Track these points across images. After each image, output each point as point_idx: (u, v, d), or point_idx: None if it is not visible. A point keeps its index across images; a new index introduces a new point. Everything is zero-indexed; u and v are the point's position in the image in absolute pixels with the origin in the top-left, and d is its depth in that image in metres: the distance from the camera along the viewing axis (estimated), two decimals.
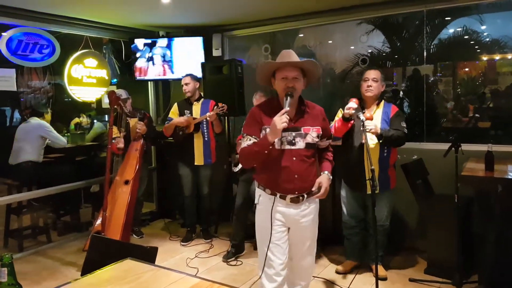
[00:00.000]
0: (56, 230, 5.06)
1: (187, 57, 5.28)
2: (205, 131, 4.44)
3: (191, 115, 4.42)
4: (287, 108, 2.21)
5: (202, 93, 4.67)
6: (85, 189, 5.37)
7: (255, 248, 3.12)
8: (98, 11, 4.47)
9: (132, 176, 4.27)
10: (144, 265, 1.74)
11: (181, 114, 4.46)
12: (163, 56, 5.35)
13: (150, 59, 5.36)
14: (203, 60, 5.15)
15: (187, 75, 4.53)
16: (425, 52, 4.48)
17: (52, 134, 4.88)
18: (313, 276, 3.33)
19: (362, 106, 3.45)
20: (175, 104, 4.59)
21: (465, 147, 3.22)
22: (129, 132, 4.56)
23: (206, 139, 4.44)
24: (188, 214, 4.70)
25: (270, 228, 2.38)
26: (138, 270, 1.68)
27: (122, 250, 2.01)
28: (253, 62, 5.63)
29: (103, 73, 5.23)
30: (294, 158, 2.35)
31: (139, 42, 5.32)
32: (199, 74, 4.82)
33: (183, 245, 4.53)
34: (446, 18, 4.69)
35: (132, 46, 5.31)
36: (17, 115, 6.47)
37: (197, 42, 5.23)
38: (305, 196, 2.41)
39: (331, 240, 4.18)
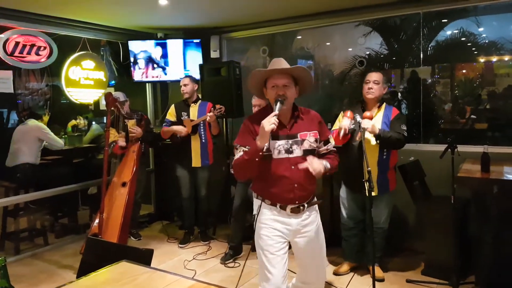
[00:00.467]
0: (53, 232, 5.04)
1: (183, 59, 5.29)
2: (202, 133, 4.44)
3: (188, 117, 4.43)
4: (276, 112, 2.17)
5: (200, 95, 4.67)
6: (82, 191, 5.37)
7: (253, 250, 3.11)
8: (95, 13, 4.48)
9: (129, 178, 4.27)
10: (139, 267, 1.74)
11: (179, 115, 4.47)
12: (161, 58, 5.36)
13: (148, 60, 5.36)
14: (201, 62, 5.16)
15: (186, 76, 4.56)
16: (422, 54, 4.49)
17: (49, 136, 4.88)
18: None
19: (363, 108, 3.48)
20: (173, 105, 4.59)
21: (461, 148, 3.25)
22: (127, 133, 4.56)
23: (203, 141, 4.45)
24: (186, 216, 4.70)
25: (270, 239, 2.32)
26: (134, 273, 1.68)
27: (118, 253, 2.01)
28: (252, 64, 5.64)
29: (101, 75, 5.23)
30: (293, 167, 2.28)
31: (137, 44, 5.32)
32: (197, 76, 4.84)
33: (181, 247, 4.53)
34: (443, 20, 4.71)
35: (129, 47, 5.31)
36: (14, 116, 6.45)
37: (194, 44, 5.25)
38: (306, 205, 2.36)
39: (329, 241, 4.15)
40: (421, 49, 4.51)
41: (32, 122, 4.87)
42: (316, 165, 2.25)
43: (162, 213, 5.59)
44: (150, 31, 5.53)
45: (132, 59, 5.36)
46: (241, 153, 2.29)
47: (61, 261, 4.26)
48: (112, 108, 4.16)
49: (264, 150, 2.20)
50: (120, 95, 4.59)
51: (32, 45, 4.42)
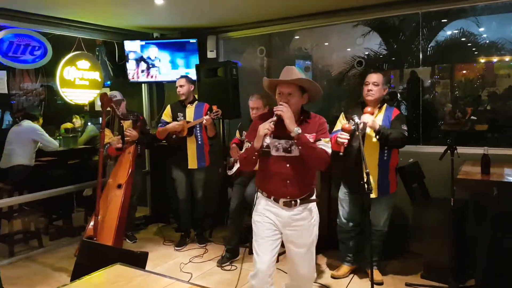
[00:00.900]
0: (48, 235, 5.04)
1: (179, 60, 5.31)
2: (199, 134, 4.44)
3: (184, 118, 4.42)
4: (274, 118, 2.44)
5: (196, 96, 4.67)
6: (77, 193, 5.35)
7: (250, 253, 3.12)
8: (90, 13, 4.47)
9: (125, 179, 4.26)
10: (134, 270, 1.74)
11: (174, 116, 4.46)
12: (157, 58, 5.36)
13: (142, 60, 5.36)
14: (197, 62, 5.16)
15: (182, 76, 4.54)
16: (421, 54, 4.50)
17: (44, 138, 4.87)
18: None
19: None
20: (168, 106, 4.59)
21: (461, 150, 3.25)
22: (123, 135, 4.55)
23: (199, 142, 4.44)
24: (182, 218, 4.70)
25: (261, 225, 2.58)
26: (128, 276, 1.68)
27: (112, 256, 2.01)
28: (249, 64, 5.65)
29: (96, 75, 5.23)
30: (288, 165, 2.53)
31: (133, 44, 5.32)
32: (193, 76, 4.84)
33: (177, 249, 4.53)
34: (443, 20, 4.73)
35: (125, 48, 5.31)
36: (8, 117, 6.44)
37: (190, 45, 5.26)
38: (298, 201, 2.56)
39: (326, 244, 4.19)
40: (420, 50, 4.52)
41: (26, 123, 4.86)
42: (289, 113, 2.42)
43: (158, 215, 5.58)
44: (146, 31, 5.53)
45: (132, 56, 5.36)
46: (247, 146, 2.64)
47: (56, 263, 4.25)
48: (108, 109, 4.15)
49: (265, 146, 2.52)
50: (116, 94, 4.58)
51: (27, 45, 4.42)
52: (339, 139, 3.10)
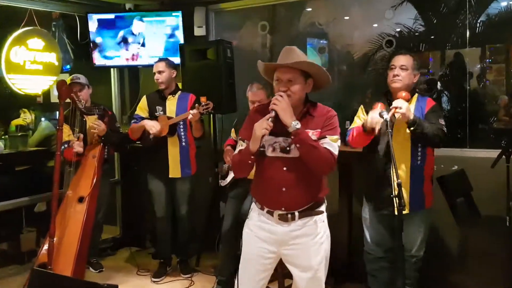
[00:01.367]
0: None
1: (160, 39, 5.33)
2: (182, 134, 4.44)
3: (165, 113, 4.43)
4: (272, 114, 2.45)
5: (179, 85, 4.68)
6: (27, 208, 5.35)
7: None
8: None
9: (88, 191, 4.27)
10: None
11: (152, 110, 4.47)
12: (131, 37, 5.38)
13: (114, 40, 5.38)
14: (181, 41, 5.17)
15: (160, 59, 4.54)
16: (468, 32, 4.51)
17: None
18: None
19: (389, 102, 3.44)
20: (144, 97, 4.60)
21: None
22: (86, 133, 4.56)
23: (183, 144, 4.45)
24: (161, 241, 4.71)
25: (249, 244, 2.67)
26: None
27: None
28: (247, 44, 5.65)
29: (52, 58, 5.23)
30: (285, 168, 2.54)
31: (98, 18, 5.33)
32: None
33: (154, 281, 4.54)
34: None
35: (89, 22, 5.32)
36: None
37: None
38: (297, 214, 2.56)
39: (347, 275, 4.18)
40: (467, 26, 4.52)
41: None
42: (283, 104, 2.43)
43: (131, 237, 5.59)
44: (116, 1, 5.54)
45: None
46: (242, 147, 2.64)
47: None
48: (67, 100, 4.15)
49: (260, 144, 2.50)
50: (81, 78, 4.61)
51: None
52: (369, 120, 3.15)
